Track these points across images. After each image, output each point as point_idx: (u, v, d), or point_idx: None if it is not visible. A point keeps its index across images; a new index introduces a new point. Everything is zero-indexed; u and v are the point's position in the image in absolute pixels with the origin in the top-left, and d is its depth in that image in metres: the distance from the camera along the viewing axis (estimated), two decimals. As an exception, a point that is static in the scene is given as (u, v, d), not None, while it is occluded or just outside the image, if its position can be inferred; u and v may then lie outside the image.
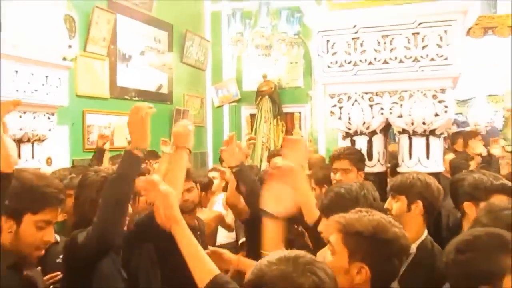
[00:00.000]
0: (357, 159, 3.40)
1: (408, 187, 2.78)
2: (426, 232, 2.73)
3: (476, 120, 10.52)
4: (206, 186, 4.76)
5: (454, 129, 9.48)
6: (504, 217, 2.07)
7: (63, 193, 2.12)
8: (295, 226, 3.97)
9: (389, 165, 3.84)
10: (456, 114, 11.33)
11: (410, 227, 2.59)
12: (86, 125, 6.44)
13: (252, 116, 9.04)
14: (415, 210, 2.73)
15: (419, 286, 2.45)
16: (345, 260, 1.78)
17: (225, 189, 5.23)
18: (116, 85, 6.98)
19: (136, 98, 7.42)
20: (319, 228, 2.53)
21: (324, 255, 1.87)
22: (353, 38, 3.47)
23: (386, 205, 2.81)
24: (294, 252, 1.58)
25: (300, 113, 8.98)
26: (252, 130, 8.86)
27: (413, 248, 2.57)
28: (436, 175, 3.46)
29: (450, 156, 6.14)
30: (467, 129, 9.56)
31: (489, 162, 6.02)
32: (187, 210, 3.30)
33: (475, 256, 1.71)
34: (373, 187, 2.75)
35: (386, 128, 3.61)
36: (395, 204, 2.76)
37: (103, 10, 6.56)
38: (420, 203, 2.74)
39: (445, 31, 3.29)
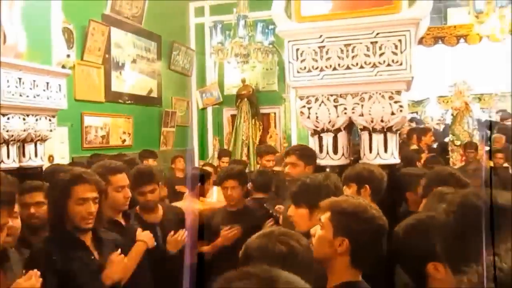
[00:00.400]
0: (304, 154, 3.44)
1: (356, 175, 2.94)
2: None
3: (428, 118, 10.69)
4: (203, 178, 4.69)
5: (413, 125, 9.62)
6: (453, 199, 2.13)
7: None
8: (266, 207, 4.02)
9: (352, 158, 3.87)
10: (412, 113, 11.48)
11: None
12: (84, 126, 6.38)
13: (233, 116, 9.03)
14: (364, 193, 2.86)
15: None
16: (330, 234, 1.85)
17: (216, 183, 5.21)
18: (111, 90, 6.93)
19: (129, 102, 7.38)
20: (288, 213, 2.57)
21: (316, 230, 1.93)
22: (319, 47, 3.46)
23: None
24: (272, 228, 1.80)
25: (275, 113, 9.00)
26: (232, 129, 8.86)
27: None
28: (392, 166, 3.53)
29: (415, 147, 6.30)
30: (421, 126, 9.70)
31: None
32: (149, 208, 3.30)
33: (421, 237, 1.74)
34: (338, 178, 2.80)
35: (350, 126, 3.63)
36: (349, 190, 2.86)
37: (98, 23, 6.50)
38: (367, 187, 2.88)
39: (400, 40, 3.31)
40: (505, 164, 6.26)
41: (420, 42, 7.25)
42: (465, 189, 1.53)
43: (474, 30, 6.46)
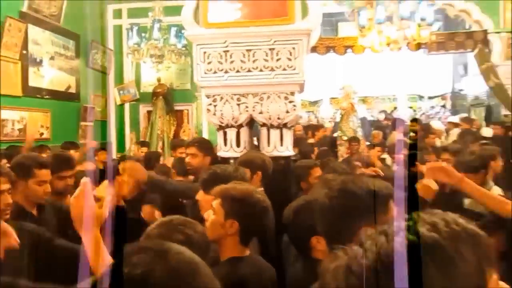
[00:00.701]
0: (203, 146, 3.46)
1: (250, 162, 2.99)
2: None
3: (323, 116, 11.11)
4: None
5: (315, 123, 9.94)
6: (333, 185, 2.25)
7: None
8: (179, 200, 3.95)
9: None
10: (308, 112, 11.90)
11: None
12: (0, 119, 5.92)
13: (149, 112, 8.81)
14: (256, 178, 2.92)
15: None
16: (221, 217, 1.88)
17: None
18: (28, 85, 6.47)
19: (47, 97, 6.95)
20: (197, 197, 2.57)
21: (209, 214, 1.94)
22: (224, 51, 3.48)
23: None
24: (171, 217, 1.69)
25: (188, 110, 8.91)
26: (148, 124, 8.66)
27: None
28: (287, 157, 3.64)
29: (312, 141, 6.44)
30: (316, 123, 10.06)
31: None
32: (64, 194, 3.12)
33: (307, 216, 1.82)
34: (245, 171, 2.85)
35: (251, 122, 3.68)
36: None
37: (15, 20, 6.05)
38: (259, 173, 2.96)
39: (294, 48, 3.40)
40: (382, 156, 6.66)
41: (314, 50, 7.51)
42: (345, 176, 1.59)
43: (358, 42, 6.80)
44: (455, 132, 7.11)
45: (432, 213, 0.78)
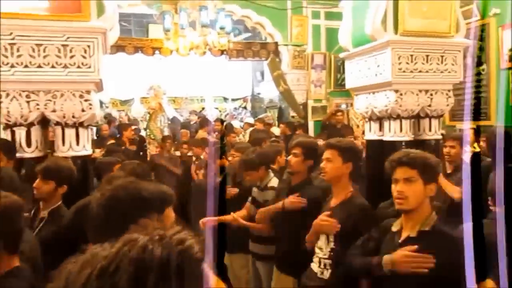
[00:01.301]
0: (7, 150, 3.13)
1: (56, 173, 2.77)
2: (60, 202, 2.78)
3: (135, 115, 10.83)
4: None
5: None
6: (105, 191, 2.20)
7: None
8: None
9: (49, 150, 3.60)
10: (119, 111, 11.49)
11: (54, 200, 2.62)
12: None
13: None
14: (61, 190, 2.76)
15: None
16: None
17: None
18: None
19: None
20: None
21: None
22: (9, 44, 3.09)
23: (34, 185, 2.71)
24: None
25: (-20, 107, 7.71)
26: None
27: (45, 213, 2.68)
28: (84, 157, 3.42)
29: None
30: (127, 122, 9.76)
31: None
32: None
33: (86, 215, 1.72)
34: (15, 174, 2.65)
35: (44, 121, 3.36)
36: (45, 186, 2.69)
37: None
38: (65, 186, 2.79)
39: (88, 46, 3.21)
40: (189, 153, 6.80)
41: (123, 49, 7.26)
42: (117, 182, 1.50)
43: (164, 44, 6.79)
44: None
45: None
